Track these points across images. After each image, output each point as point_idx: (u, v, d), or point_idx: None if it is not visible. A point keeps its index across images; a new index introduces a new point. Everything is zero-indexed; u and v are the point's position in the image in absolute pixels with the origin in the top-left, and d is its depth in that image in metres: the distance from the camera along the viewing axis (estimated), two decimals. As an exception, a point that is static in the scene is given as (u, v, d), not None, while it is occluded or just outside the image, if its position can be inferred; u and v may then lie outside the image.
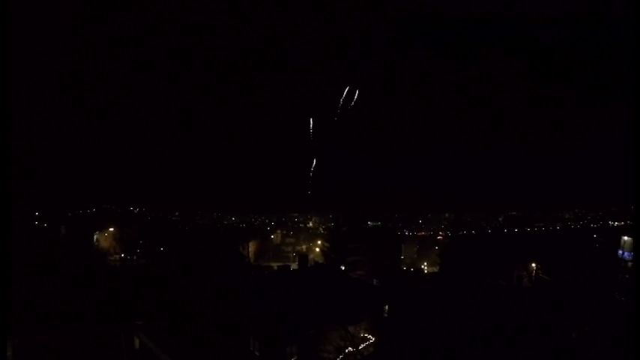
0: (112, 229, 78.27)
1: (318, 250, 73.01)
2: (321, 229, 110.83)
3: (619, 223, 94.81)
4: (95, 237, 76.59)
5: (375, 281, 49.57)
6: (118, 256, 61.66)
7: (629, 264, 42.65)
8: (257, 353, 26.21)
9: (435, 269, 68.05)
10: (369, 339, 29.37)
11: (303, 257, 50.13)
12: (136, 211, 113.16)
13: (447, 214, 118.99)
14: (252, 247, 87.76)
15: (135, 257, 60.97)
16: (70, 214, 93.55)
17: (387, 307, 33.15)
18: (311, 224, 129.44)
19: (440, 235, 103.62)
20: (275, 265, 63.01)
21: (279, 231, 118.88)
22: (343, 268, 52.72)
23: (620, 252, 51.49)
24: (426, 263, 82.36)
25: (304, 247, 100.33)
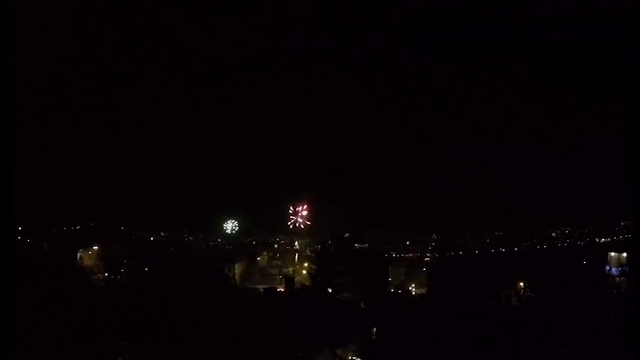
0: (96, 248, 77.13)
1: (304, 272, 72.61)
2: (307, 251, 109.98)
3: (605, 240, 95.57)
4: (79, 255, 75.33)
5: (362, 303, 49.34)
6: (101, 275, 60.83)
7: (617, 279, 43.08)
8: (243, 376, 25.79)
9: (423, 291, 67.84)
10: (358, 361, 29.10)
11: (289, 280, 49.93)
12: (120, 230, 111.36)
13: (434, 236, 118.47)
14: (238, 268, 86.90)
15: (119, 277, 60.18)
16: (53, 231, 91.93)
17: (375, 329, 32.96)
18: (298, 246, 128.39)
19: (427, 257, 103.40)
20: (261, 287, 62.40)
21: (265, 253, 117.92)
22: (330, 290, 52.40)
23: (607, 268, 51.99)
24: (413, 285, 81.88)
25: (291, 269, 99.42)
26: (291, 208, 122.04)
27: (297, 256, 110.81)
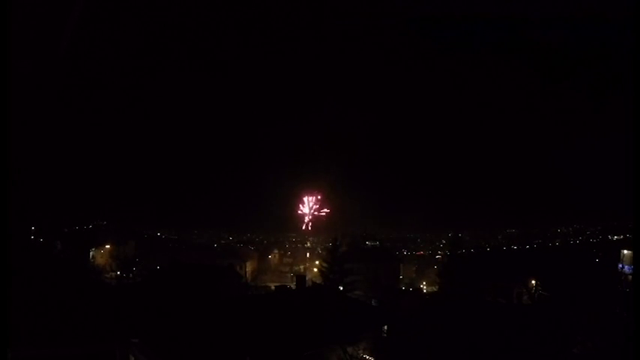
0: (108, 246, 77.99)
1: (316, 270, 72.73)
2: (319, 249, 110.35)
3: (618, 237, 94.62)
4: (91, 254, 76.16)
5: (373, 301, 49.29)
6: (114, 273, 61.25)
7: (630, 277, 42.55)
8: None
9: (434, 288, 67.70)
10: None
11: (300, 277, 49.90)
12: (132, 229, 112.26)
13: (445, 233, 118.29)
14: (249, 266, 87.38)
15: (131, 275, 60.53)
16: (66, 230, 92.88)
17: (386, 327, 32.92)
18: (309, 244, 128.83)
19: (438, 254, 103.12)
20: (273, 285, 62.63)
21: (276, 251, 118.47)
22: (341, 288, 52.45)
23: (620, 266, 51.48)
24: (425, 282, 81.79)
25: (302, 267, 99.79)
26: (303, 202, 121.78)
27: (308, 254, 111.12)
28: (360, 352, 28.96)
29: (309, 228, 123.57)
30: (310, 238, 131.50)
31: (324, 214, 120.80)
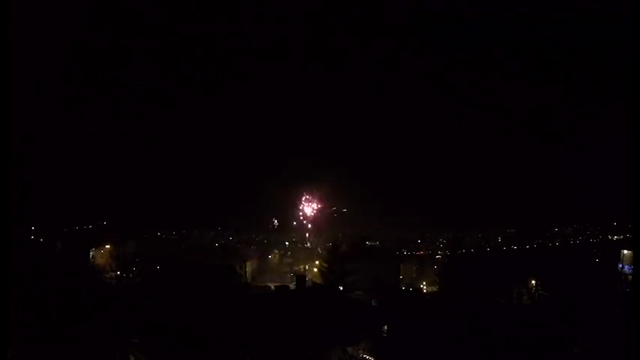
0: (108, 246, 77.90)
1: (316, 270, 72.67)
2: (319, 249, 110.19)
3: (618, 237, 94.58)
4: (91, 254, 76.07)
5: (373, 301, 49.28)
6: (114, 273, 61.19)
7: (630, 277, 42.55)
8: (254, 373, 25.88)
9: (434, 288, 67.73)
10: (369, 360, 29.11)
11: (300, 277, 49.92)
12: (132, 229, 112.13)
13: (445, 234, 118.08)
14: (249, 266, 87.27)
15: (131, 275, 60.49)
16: (65, 230, 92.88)
17: (386, 327, 32.92)
18: (309, 244, 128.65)
19: (439, 254, 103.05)
20: (273, 285, 62.57)
21: (276, 250, 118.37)
22: (342, 288, 52.42)
23: (620, 266, 51.52)
24: (425, 283, 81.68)
25: (302, 267, 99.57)
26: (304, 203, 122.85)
27: (308, 254, 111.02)
28: (360, 352, 29.00)
29: (309, 236, 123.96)
30: (310, 238, 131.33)
31: (335, 215, 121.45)
